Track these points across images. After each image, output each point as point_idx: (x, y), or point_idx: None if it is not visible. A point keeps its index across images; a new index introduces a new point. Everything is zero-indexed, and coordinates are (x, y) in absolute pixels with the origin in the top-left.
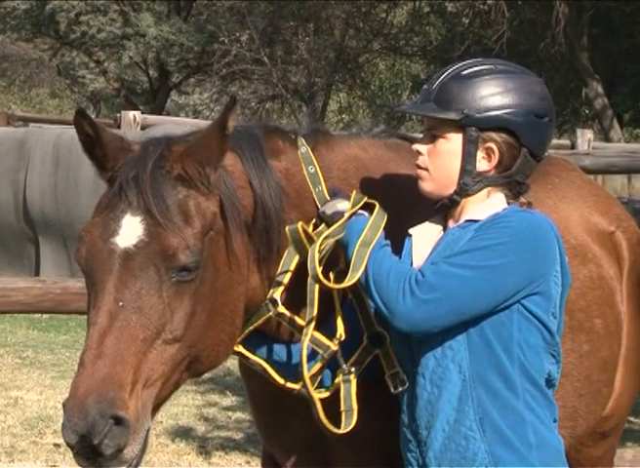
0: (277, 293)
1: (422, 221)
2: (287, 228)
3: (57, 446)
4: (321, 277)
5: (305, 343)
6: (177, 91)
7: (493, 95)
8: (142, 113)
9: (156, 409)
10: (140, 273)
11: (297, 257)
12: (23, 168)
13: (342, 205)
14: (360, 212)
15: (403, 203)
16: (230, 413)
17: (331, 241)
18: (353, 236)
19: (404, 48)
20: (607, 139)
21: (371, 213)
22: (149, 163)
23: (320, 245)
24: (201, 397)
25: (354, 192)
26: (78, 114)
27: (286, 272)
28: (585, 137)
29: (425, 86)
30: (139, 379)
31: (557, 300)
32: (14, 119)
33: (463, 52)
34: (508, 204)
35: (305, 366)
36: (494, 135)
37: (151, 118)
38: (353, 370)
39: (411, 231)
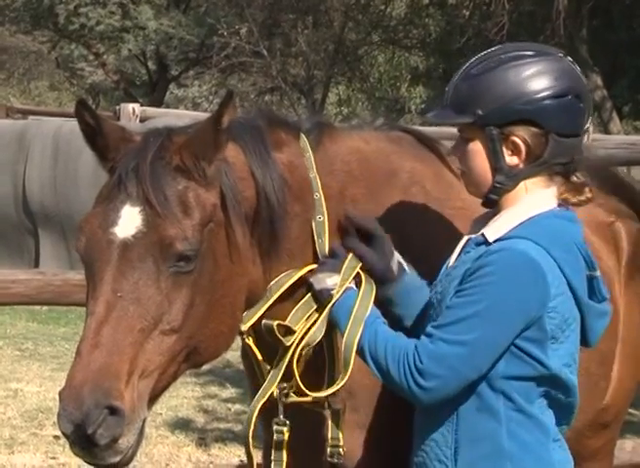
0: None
1: (423, 214)
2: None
3: (56, 437)
4: (304, 389)
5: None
6: (176, 83)
7: (502, 88)
8: (142, 106)
9: (153, 399)
10: (139, 264)
11: (266, 306)
12: (23, 160)
13: (332, 280)
14: (349, 285)
15: (405, 195)
16: (230, 405)
17: (312, 344)
18: (343, 318)
19: (403, 40)
20: (606, 131)
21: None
22: (149, 153)
23: (301, 349)
24: (200, 389)
25: (349, 257)
26: (79, 104)
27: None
28: None
29: (447, 87)
30: (135, 370)
31: (556, 326)
32: (13, 111)
33: (463, 44)
34: (559, 205)
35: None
36: (514, 128)
37: (150, 111)
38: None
39: (463, 238)
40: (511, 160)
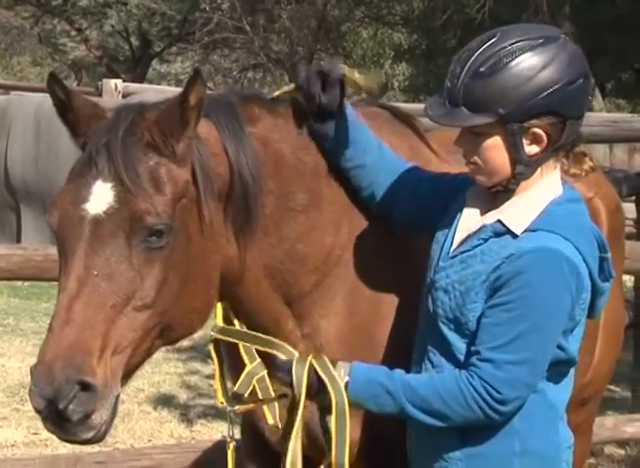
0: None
1: None
2: None
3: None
4: None
5: None
6: (159, 59)
7: (521, 85)
8: (124, 82)
9: (127, 375)
10: (110, 239)
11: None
12: (4, 136)
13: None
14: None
15: None
16: (212, 381)
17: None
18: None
19: (386, 17)
20: (588, 109)
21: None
22: (121, 129)
23: None
24: (183, 365)
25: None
26: (51, 78)
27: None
28: None
29: (448, 83)
30: (108, 346)
31: (581, 315)
32: None
33: (445, 21)
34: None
35: None
36: (535, 121)
37: (133, 86)
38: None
39: (464, 215)
40: (530, 149)
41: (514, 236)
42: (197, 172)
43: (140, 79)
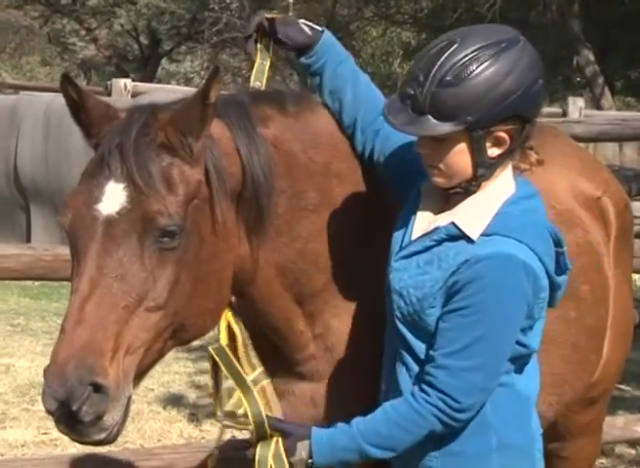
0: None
1: None
2: None
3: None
4: None
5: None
6: (168, 58)
7: (488, 92)
8: (133, 81)
9: (139, 376)
10: (122, 240)
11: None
12: (14, 135)
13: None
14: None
15: None
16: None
17: None
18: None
19: (395, 15)
20: (598, 107)
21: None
22: (134, 130)
23: None
24: (192, 364)
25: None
26: (63, 79)
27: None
28: (577, 105)
29: (410, 90)
30: (120, 347)
31: (540, 313)
32: (4, 86)
33: (455, 20)
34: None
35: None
36: (500, 126)
37: (142, 86)
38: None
39: (418, 214)
40: (492, 152)
41: (470, 241)
42: (210, 172)
43: (150, 78)
